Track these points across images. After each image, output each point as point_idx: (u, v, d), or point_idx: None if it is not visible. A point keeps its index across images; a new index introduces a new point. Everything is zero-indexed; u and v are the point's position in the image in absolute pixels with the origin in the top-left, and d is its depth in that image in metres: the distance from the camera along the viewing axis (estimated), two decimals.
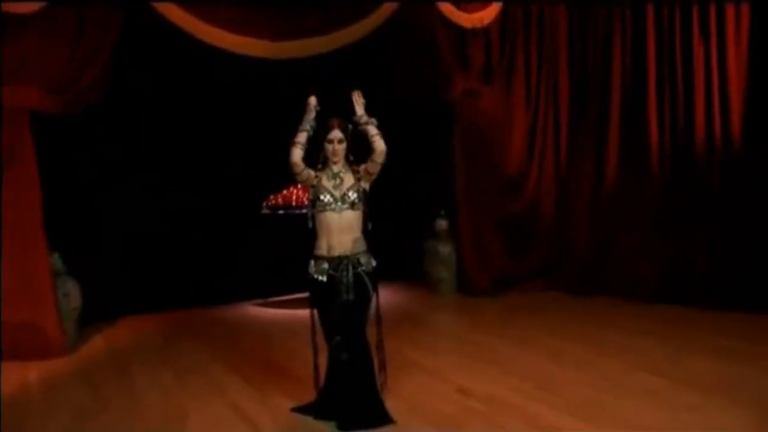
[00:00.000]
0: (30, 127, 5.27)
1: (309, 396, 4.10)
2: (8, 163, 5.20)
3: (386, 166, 3.86)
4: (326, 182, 3.84)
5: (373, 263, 3.92)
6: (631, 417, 3.82)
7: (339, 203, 3.80)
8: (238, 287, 7.23)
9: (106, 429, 4.00)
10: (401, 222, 7.59)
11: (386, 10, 6.54)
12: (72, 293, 5.66)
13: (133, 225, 6.64)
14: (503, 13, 7.06)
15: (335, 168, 3.87)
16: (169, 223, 6.81)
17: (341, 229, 3.82)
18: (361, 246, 3.88)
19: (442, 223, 7.40)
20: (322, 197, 3.81)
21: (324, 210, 3.80)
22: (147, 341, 5.89)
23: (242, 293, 7.28)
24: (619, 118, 6.84)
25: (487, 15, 6.95)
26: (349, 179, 3.86)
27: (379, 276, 6.90)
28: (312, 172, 3.85)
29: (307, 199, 3.97)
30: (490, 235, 7.31)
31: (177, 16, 5.88)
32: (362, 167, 3.88)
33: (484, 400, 4.14)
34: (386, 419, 3.83)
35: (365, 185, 3.87)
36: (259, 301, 7.23)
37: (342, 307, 3.78)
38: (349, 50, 6.71)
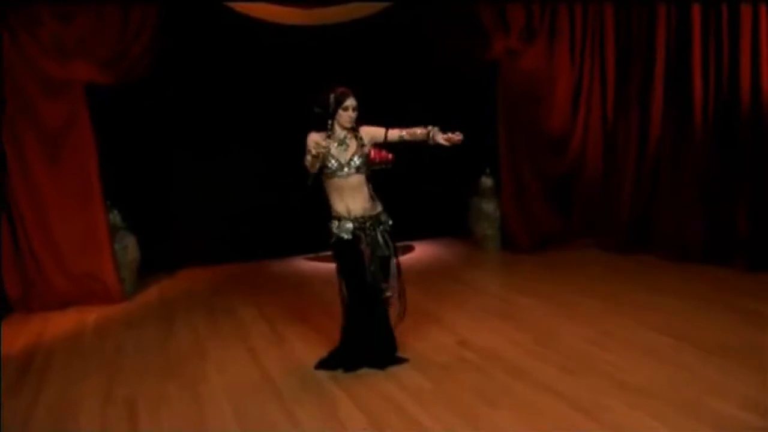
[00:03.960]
0: (85, 97, 5.80)
1: (323, 344, 4.41)
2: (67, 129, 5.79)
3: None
4: (333, 150, 3.96)
5: (390, 222, 4.15)
6: (618, 374, 3.82)
7: (345, 169, 3.96)
8: (291, 242, 7.52)
9: (137, 361, 4.55)
10: (448, 179, 7.71)
11: None
12: (130, 246, 6.24)
13: (191, 184, 7.10)
14: None
15: (341, 134, 4.00)
16: (226, 182, 7.19)
17: (352, 193, 4.01)
18: (377, 206, 4.11)
19: (487, 181, 7.46)
20: (329, 164, 3.94)
21: (333, 176, 3.98)
22: (196, 290, 6.38)
23: (294, 248, 7.57)
24: (664, 75, 6.57)
25: None
26: (353, 145, 4.02)
27: (425, 232, 7.21)
28: (321, 149, 3.78)
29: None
30: (532, 193, 7.30)
31: None
32: (367, 137, 4.04)
33: (480, 352, 4.31)
34: (402, 359, 4.21)
35: (366, 150, 4.06)
36: (310, 255, 7.54)
37: (376, 263, 4.05)
38: (388, 16, 6.87)
